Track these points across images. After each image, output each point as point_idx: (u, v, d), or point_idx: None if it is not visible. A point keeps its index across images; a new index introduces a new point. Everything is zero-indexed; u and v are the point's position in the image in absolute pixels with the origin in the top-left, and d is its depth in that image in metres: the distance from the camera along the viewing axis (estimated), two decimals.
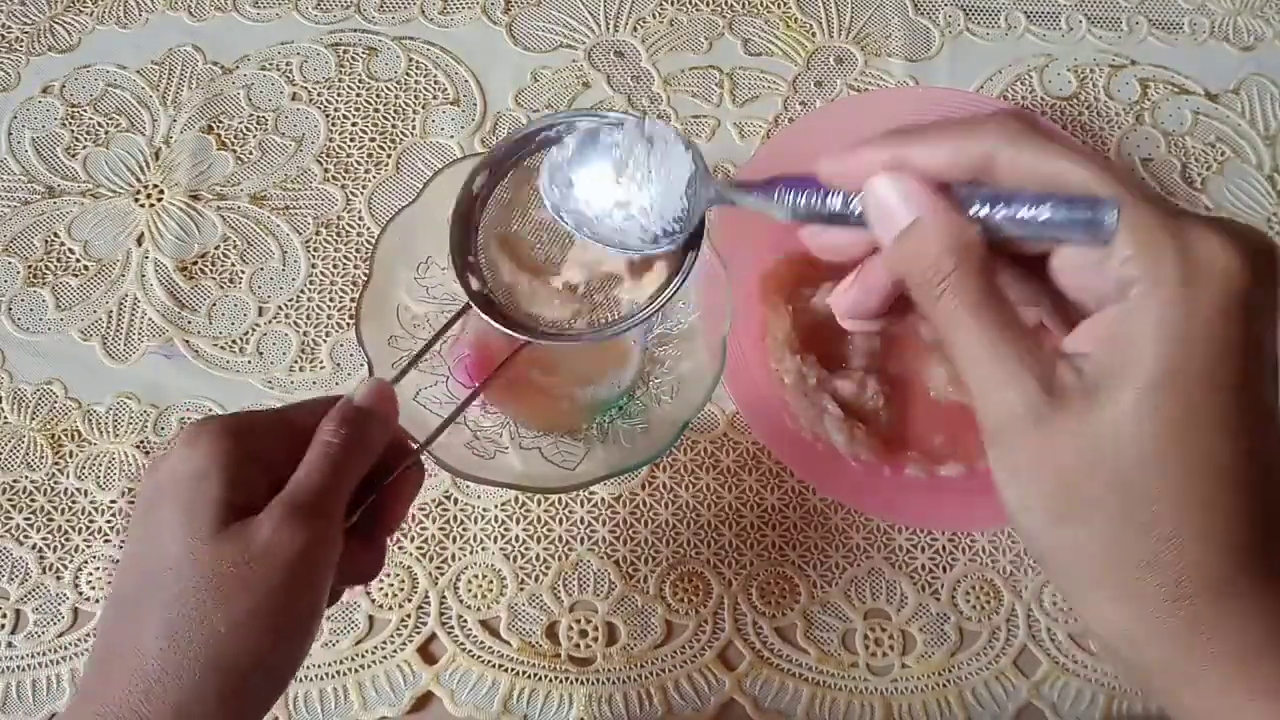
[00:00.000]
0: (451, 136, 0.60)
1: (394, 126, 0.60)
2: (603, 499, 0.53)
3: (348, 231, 0.58)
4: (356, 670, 0.49)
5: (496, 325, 0.37)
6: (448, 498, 0.52)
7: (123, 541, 0.51)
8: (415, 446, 0.37)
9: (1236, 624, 0.25)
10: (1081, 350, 0.26)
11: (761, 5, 0.65)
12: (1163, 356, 0.24)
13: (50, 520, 0.51)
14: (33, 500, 0.52)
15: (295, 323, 0.56)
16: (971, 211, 0.26)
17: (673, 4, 0.64)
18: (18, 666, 0.49)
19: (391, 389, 0.36)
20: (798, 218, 0.31)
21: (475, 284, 0.37)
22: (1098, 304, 0.26)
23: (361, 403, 0.35)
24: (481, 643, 0.50)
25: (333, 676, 0.49)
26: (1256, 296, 0.24)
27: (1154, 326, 0.24)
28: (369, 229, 0.58)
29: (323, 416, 0.34)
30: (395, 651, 0.50)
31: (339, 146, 0.60)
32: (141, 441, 0.53)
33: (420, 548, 0.51)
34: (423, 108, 0.61)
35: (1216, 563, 0.25)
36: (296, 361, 0.55)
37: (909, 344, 0.55)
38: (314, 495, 0.32)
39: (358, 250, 0.57)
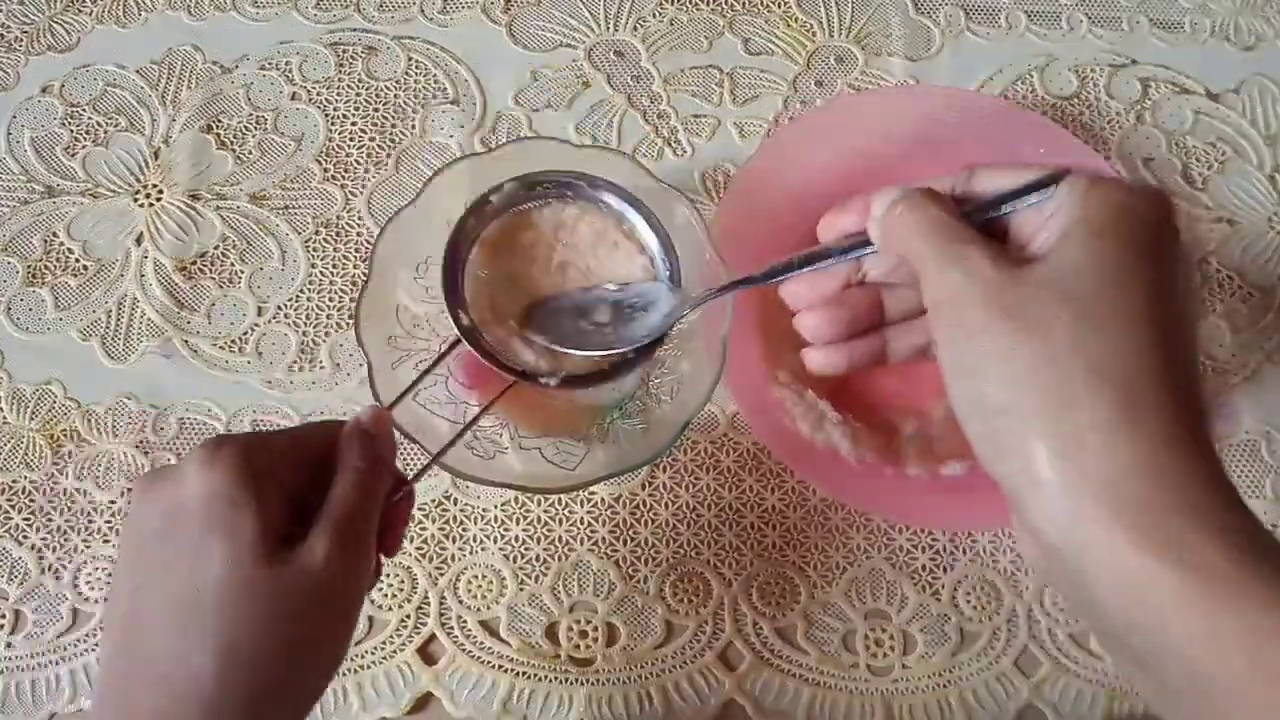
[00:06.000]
0: (451, 136, 0.60)
1: (393, 126, 0.60)
2: (603, 499, 0.53)
3: (347, 231, 0.58)
4: (356, 671, 0.49)
5: (484, 360, 0.40)
6: (447, 498, 0.52)
7: (117, 550, 0.50)
8: (408, 475, 0.38)
9: (1181, 451, 0.26)
10: (1030, 249, 0.30)
11: (761, 4, 0.65)
12: (1108, 213, 0.28)
13: (49, 520, 0.51)
14: (32, 500, 0.52)
15: (294, 323, 0.56)
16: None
17: (673, 3, 0.64)
18: (17, 667, 0.49)
19: (390, 416, 0.38)
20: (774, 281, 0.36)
21: (465, 319, 0.40)
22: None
23: (371, 428, 0.36)
24: (481, 643, 0.50)
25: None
26: (1172, 214, 0.29)
27: (1099, 200, 0.29)
28: (368, 229, 0.58)
29: (328, 438, 0.35)
30: (395, 652, 0.50)
31: (338, 146, 0.60)
32: (141, 442, 0.53)
33: (420, 548, 0.51)
34: (422, 107, 0.61)
35: (1158, 383, 0.26)
36: (296, 361, 0.55)
37: None
38: (356, 522, 0.33)
39: (357, 250, 0.57)
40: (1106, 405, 0.26)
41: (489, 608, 0.51)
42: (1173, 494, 0.25)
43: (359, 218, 0.58)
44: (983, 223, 0.31)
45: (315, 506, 0.34)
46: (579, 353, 0.41)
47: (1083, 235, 0.28)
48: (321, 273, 0.57)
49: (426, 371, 0.41)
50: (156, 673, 0.31)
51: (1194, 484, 0.25)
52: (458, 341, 0.41)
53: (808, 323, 0.35)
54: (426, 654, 0.50)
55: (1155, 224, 0.29)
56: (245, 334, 0.55)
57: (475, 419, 0.42)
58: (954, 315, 0.29)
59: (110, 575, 0.50)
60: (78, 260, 0.56)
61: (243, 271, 0.57)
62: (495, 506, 0.52)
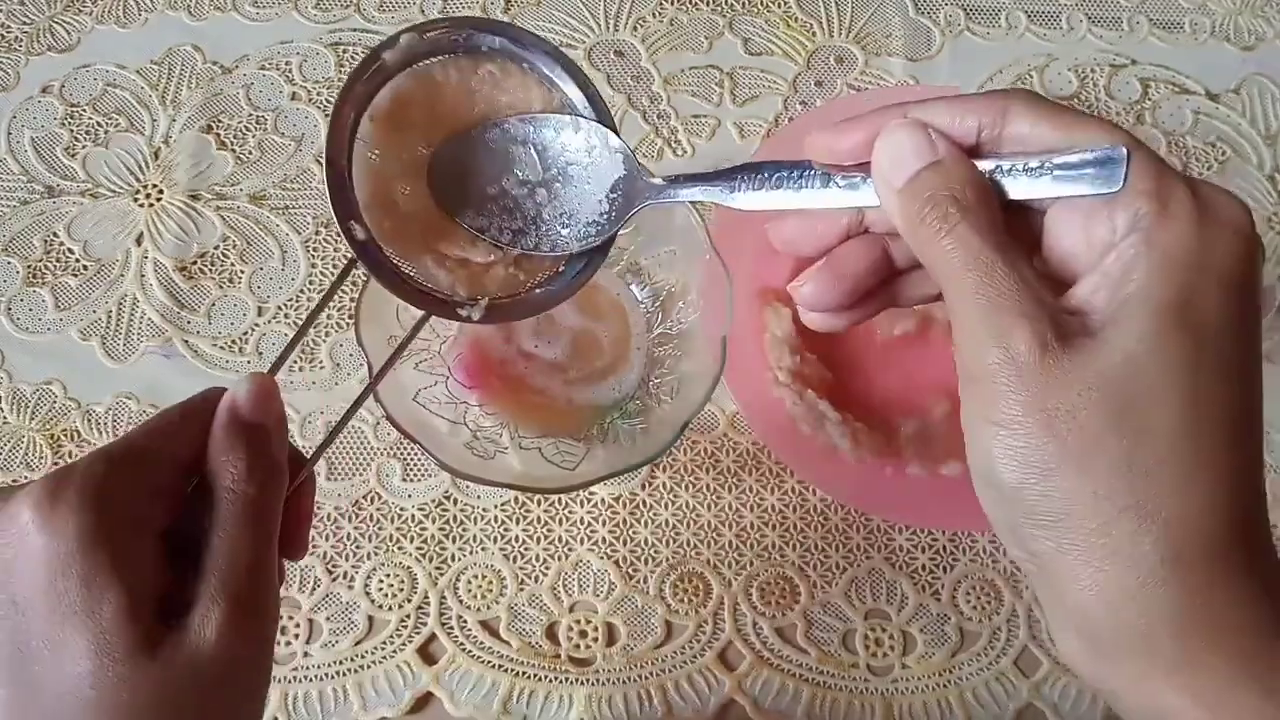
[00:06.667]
0: None
1: None
2: (602, 499, 0.53)
3: None
4: (356, 671, 0.49)
5: (387, 288, 0.32)
6: (447, 498, 0.52)
7: None
8: (306, 456, 0.33)
9: (1232, 599, 0.23)
10: (1081, 302, 0.24)
11: (762, 4, 0.65)
12: (1176, 284, 0.23)
13: None
14: None
15: (295, 322, 0.56)
16: (982, 167, 0.26)
17: (673, 3, 0.64)
18: None
19: (275, 384, 0.30)
20: (756, 206, 0.30)
21: (360, 233, 0.31)
22: (1088, 267, 0.25)
23: (254, 416, 0.29)
24: (481, 643, 0.50)
25: (332, 677, 0.49)
26: (1254, 239, 0.24)
27: (1167, 255, 0.23)
28: None
29: (205, 425, 0.28)
30: (395, 652, 0.50)
31: None
32: None
33: (420, 548, 0.51)
34: None
35: (1216, 525, 0.23)
36: (296, 361, 0.55)
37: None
38: (251, 569, 0.27)
39: None
40: (1151, 547, 0.23)
41: (489, 607, 0.51)
42: (1212, 637, 0.23)
43: None
44: (1012, 202, 0.26)
45: (203, 525, 0.27)
46: (511, 250, 0.33)
47: (1146, 319, 0.23)
48: (322, 273, 0.57)
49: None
50: None
51: (1235, 625, 0.23)
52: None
53: (806, 292, 0.29)
54: (426, 654, 0.50)
55: (1237, 270, 0.24)
56: (245, 334, 0.55)
57: (393, 358, 0.35)
58: (985, 400, 0.24)
59: None
60: (78, 260, 0.56)
61: (243, 271, 0.57)
62: (495, 506, 0.52)
